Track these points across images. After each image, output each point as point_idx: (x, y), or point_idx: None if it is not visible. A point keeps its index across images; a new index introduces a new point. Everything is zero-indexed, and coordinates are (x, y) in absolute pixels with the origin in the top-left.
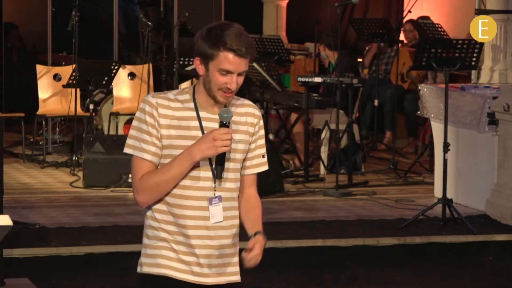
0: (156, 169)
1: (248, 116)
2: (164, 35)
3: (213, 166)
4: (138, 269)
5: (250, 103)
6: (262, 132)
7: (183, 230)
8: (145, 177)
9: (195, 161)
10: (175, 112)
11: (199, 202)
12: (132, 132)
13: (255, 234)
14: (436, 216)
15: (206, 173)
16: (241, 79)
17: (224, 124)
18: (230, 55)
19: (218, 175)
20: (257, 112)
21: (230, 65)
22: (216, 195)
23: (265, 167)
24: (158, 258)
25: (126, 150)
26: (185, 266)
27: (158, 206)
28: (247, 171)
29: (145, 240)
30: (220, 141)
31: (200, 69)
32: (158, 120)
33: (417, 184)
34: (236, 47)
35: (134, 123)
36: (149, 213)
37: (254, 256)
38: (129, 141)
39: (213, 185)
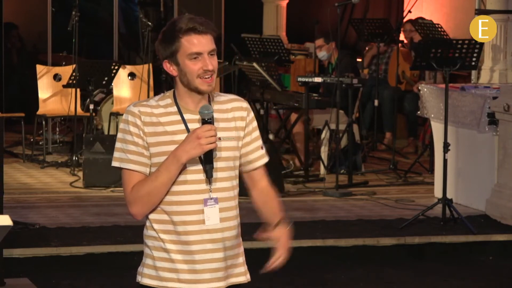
0: (145, 178)
1: (235, 111)
2: None
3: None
4: (139, 279)
5: (236, 97)
6: (255, 123)
7: (183, 237)
8: (135, 188)
9: (182, 163)
10: (159, 118)
11: (196, 206)
12: (117, 144)
13: (276, 225)
14: (436, 216)
15: (198, 175)
16: (214, 60)
17: (206, 121)
18: (192, 36)
19: (208, 174)
20: (244, 104)
21: (196, 47)
22: (212, 196)
23: (266, 159)
24: (159, 271)
25: (114, 163)
26: (188, 275)
27: (156, 216)
28: (251, 166)
29: (146, 250)
30: (205, 138)
31: (173, 70)
32: (142, 129)
33: (417, 184)
34: (193, 26)
35: (119, 135)
36: (147, 223)
37: (277, 259)
38: (115, 154)
39: (208, 186)
